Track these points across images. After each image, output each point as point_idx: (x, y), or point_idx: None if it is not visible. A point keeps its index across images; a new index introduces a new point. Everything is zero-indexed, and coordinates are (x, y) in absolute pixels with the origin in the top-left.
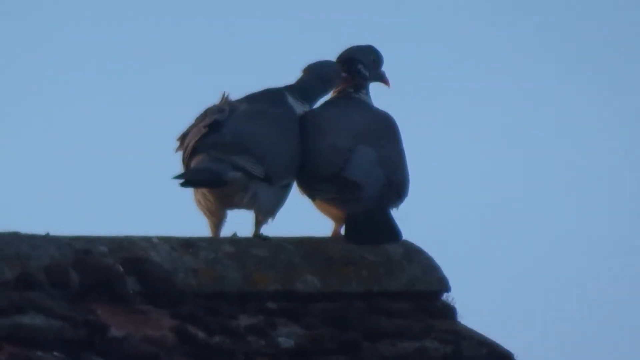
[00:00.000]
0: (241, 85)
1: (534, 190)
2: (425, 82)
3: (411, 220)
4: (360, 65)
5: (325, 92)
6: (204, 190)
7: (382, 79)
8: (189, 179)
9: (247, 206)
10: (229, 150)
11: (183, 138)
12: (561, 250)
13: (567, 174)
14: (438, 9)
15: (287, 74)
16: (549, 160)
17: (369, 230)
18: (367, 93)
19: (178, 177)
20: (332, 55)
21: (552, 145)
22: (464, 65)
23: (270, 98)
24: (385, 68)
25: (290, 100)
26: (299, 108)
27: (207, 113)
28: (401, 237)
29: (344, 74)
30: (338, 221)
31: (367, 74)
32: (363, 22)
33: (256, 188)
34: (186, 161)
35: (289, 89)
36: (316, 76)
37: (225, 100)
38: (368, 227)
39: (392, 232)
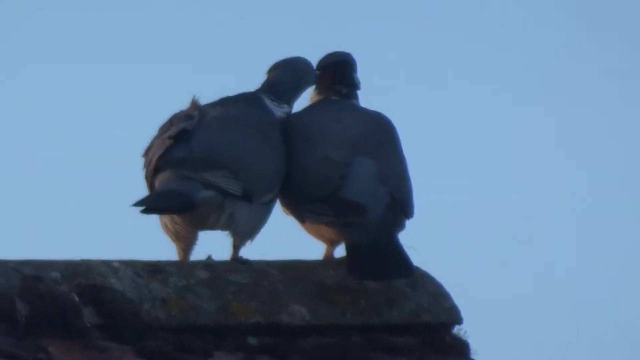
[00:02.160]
0: (210, 89)
1: (558, 207)
2: (434, 84)
3: (422, 247)
4: (354, 73)
5: (299, 91)
6: (176, 218)
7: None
8: (152, 205)
9: (223, 228)
10: (199, 166)
11: (147, 152)
12: (588, 274)
13: (590, 197)
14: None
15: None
16: (572, 178)
17: (377, 264)
18: (356, 97)
19: (138, 203)
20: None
21: (575, 164)
22: (474, 66)
23: (245, 101)
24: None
25: (268, 102)
26: (278, 110)
27: (172, 121)
28: (413, 271)
29: (317, 72)
30: (332, 244)
31: (358, 82)
32: (343, 27)
33: (233, 207)
34: (149, 179)
35: (263, 90)
36: (287, 71)
37: (194, 105)
38: (375, 260)
39: (403, 265)
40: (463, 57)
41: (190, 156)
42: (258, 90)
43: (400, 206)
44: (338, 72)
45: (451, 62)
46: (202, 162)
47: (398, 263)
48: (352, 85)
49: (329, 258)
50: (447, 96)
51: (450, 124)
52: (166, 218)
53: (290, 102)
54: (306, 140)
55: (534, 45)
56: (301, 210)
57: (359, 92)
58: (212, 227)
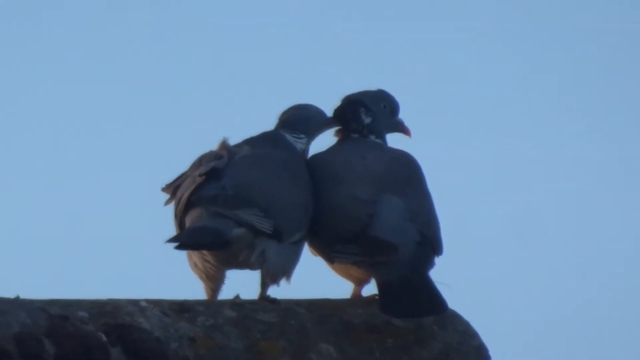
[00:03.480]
0: (234, 129)
1: (586, 241)
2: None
3: (454, 286)
4: (362, 109)
5: (313, 131)
6: (207, 255)
7: (398, 128)
8: (185, 241)
9: (254, 266)
10: (231, 203)
11: (174, 189)
12: (621, 305)
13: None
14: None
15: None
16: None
17: (409, 300)
18: (381, 138)
19: (172, 239)
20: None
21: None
22: (499, 99)
23: (270, 140)
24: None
25: (288, 137)
26: (298, 143)
27: (202, 160)
28: (447, 307)
29: (334, 121)
30: (360, 283)
31: (368, 120)
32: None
33: (264, 245)
34: (179, 216)
35: (281, 127)
36: (299, 110)
37: (223, 145)
38: (407, 296)
39: (436, 302)
40: (470, 70)
41: (223, 193)
42: (277, 127)
43: (430, 243)
44: (348, 113)
45: (451, 74)
46: (234, 199)
47: (431, 300)
48: (360, 124)
49: (356, 297)
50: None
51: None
52: (196, 257)
53: (309, 136)
54: (332, 179)
55: (537, 46)
56: (329, 250)
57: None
58: (243, 265)
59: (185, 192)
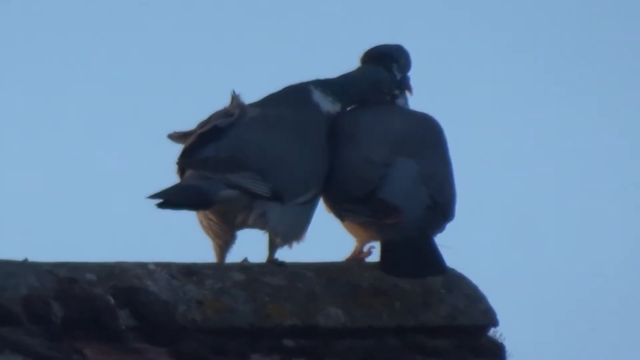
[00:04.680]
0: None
1: (601, 212)
2: (474, 84)
3: (457, 248)
4: (394, 65)
5: (362, 100)
6: (208, 213)
7: (406, 85)
8: (167, 199)
9: (256, 227)
10: (223, 166)
11: (183, 136)
12: (628, 275)
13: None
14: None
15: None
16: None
17: (410, 261)
18: (403, 96)
19: (154, 196)
20: (355, 52)
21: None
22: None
23: (292, 99)
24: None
25: (317, 96)
26: (328, 106)
27: (211, 118)
28: (446, 270)
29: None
30: (366, 242)
31: (399, 76)
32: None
33: (264, 207)
34: (179, 174)
35: (318, 83)
36: (369, 81)
37: (235, 102)
38: (408, 258)
39: (435, 263)
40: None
41: (214, 157)
42: (313, 82)
43: (440, 209)
44: (379, 65)
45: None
46: (226, 163)
47: (431, 261)
48: (393, 79)
49: (357, 254)
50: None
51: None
52: (201, 215)
53: (345, 104)
54: (349, 140)
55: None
56: (340, 209)
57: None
58: (243, 226)
59: (181, 152)
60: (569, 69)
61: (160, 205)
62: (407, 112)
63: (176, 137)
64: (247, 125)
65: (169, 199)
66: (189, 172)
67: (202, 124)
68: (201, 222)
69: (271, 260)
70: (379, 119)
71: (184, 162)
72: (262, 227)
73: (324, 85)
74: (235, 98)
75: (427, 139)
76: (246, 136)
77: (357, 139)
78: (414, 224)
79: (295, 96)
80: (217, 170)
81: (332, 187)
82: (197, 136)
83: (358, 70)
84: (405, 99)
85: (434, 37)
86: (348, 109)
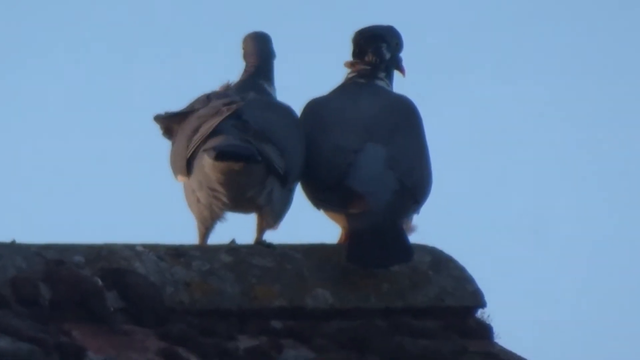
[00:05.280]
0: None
1: (584, 188)
2: (453, 65)
3: (444, 233)
4: (383, 45)
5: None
6: (219, 186)
7: (398, 66)
8: (224, 150)
9: (262, 204)
10: (257, 135)
11: (172, 119)
12: (614, 254)
13: (618, 178)
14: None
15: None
16: (599, 159)
17: (375, 251)
18: (389, 78)
19: (212, 149)
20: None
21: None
22: (499, 44)
23: (257, 89)
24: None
25: (267, 87)
26: (274, 92)
27: (209, 97)
28: (412, 258)
29: (354, 59)
30: (346, 229)
31: (388, 56)
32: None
33: (272, 186)
34: (195, 146)
35: (257, 76)
36: (260, 49)
37: (228, 86)
38: (372, 247)
39: (401, 251)
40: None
41: (248, 125)
42: (253, 76)
43: (409, 192)
44: (370, 47)
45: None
46: (259, 133)
47: (397, 249)
48: (380, 57)
49: (344, 242)
50: (473, 76)
51: (476, 103)
52: (205, 192)
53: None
54: (320, 126)
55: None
56: (315, 198)
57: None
58: (249, 203)
59: (211, 121)
60: (567, 46)
61: (217, 157)
62: (382, 95)
63: (163, 119)
64: (257, 105)
65: (229, 150)
66: (220, 137)
67: (202, 102)
68: (198, 202)
69: (260, 242)
70: (352, 104)
71: (226, 126)
72: (266, 205)
73: (260, 76)
74: (227, 85)
75: (398, 123)
76: (264, 114)
77: (328, 126)
78: (380, 211)
79: (257, 88)
80: (255, 138)
81: (306, 175)
82: (230, 108)
83: (257, 45)
84: (390, 80)
85: (431, 20)
86: (322, 95)
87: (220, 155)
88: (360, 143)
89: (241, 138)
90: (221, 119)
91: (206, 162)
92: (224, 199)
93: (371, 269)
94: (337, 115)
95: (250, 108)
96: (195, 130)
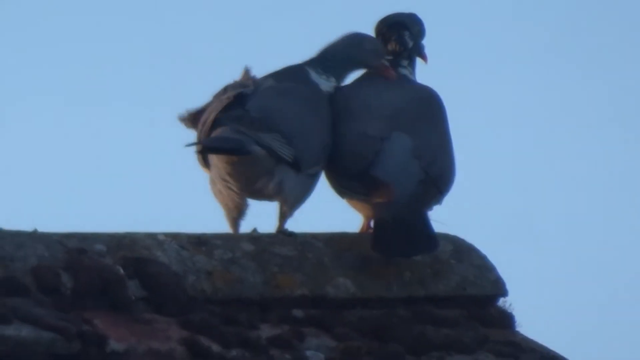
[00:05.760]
0: (258, 62)
1: (612, 179)
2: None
3: (451, 224)
4: (406, 32)
5: (353, 67)
6: (228, 177)
7: (420, 53)
8: (208, 145)
9: (272, 194)
10: (255, 125)
11: (195, 115)
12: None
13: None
14: None
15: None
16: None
17: (400, 240)
18: (412, 66)
19: (194, 144)
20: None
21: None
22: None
23: (293, 75)
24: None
25: (314, 77)
26: (325, 84)
27: (227, 89)
28: (438, 247)
29: (385, 50)
30: (369, 218)
31: (411, 43)
32: None
33: (282, 174)
34: (204, 135)
35: (310, 63)
36: (346, 44)
37: (247, 76)
38: (398, 237)
39: (426, 241)
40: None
41: (248, 114)
42: (305, 63)
43: (434, 182)
44: (393, 35)
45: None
46: (258, 122)
47: (422, 239)
48: (403, 45)
49: (365, 231)
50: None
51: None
52: (220, 184)
53: (339, 77)
54: (346, 115)
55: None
56: (340, 186)
57: (420, 65)
58: (261, 193)
59: (212, 113)
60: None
61: (201, 151)
62: (407, 86)
63: (186, 118)
64: (268, 94)
65: (210, 145)
66: (219, 129)
67: (218, 95)
68: (220, 192)
69: (281, 231)
70: (376, 93)
71: (222, 118)
72: (276, 196)
73: (315, 64)
74: (247, 72)
75: (424, 113)
76: (271, 102)
77: (353, 114)
78: (405, 201)
79: (295, 74)
80: (250, 127)
81: (331, 163)
82: (229, 98)
83: (338, 38)
84: (413, 68)
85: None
86: (346, 81)
87: (205, 149)
88: (387, 131)
89: (233, 129)
90: (217, 112)
91: (212, 156)
92: (235, 190)
93: (396, 259)
94: (362, 103)
95: (259, 96)
96: (204, 124)
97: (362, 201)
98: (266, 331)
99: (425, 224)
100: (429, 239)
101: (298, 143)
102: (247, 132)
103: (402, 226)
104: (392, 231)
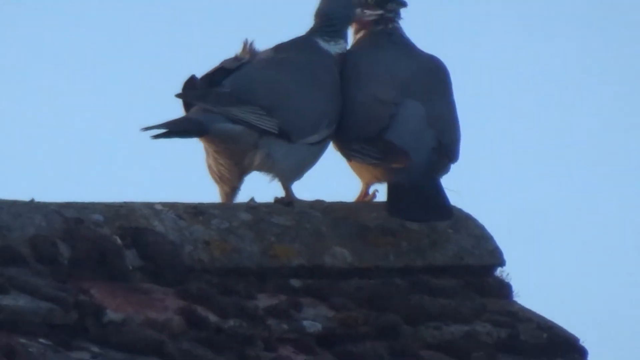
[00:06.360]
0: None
1: (612, 150)
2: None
3: (464, 189)
4: None
5: (349, 20)
6: (214, 152)
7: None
8: (160, 128)
9: (262, 167)
10: (224, 101)
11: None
12: (631, 212)
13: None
14: None
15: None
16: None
17: (416, 205)
18: (401, 28)
19: (148, 128)
20: None
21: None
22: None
23: (299, 46)
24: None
25: (322, 44)
26: (334, 48)
27: (222, 64)
28: (452, 214)
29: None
30: (370, 183)
31: (406, 5)
32: None
33: (270, 147)
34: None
35: (315, 32)
36: (340, 5)
37: (246, 49)
38: (415, 202)
39: (443, 208)
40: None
41: (214, 90)
42: (311, 33)
43: (445, 150)
44: None
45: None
46: (229, 96)
47: (438, 206)
48: (394, 6)
49: (362, 199)
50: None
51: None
52: (210, 159)
53: (344, 36)
54: (357, 80)
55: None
56: (349, 149)
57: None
58: (251, 167)
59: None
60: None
61: (154, 137)
62: (414, 54)
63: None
64: (254, 65)
65: (164, 129)
66: (193, 109)
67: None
68: (210, 168)
69: (279, 200)
70: (387, 60)
71: (183, 96)
72: (268, 167)
73: (321, 32)
74: (246, 45)
75: (433, 82)
76: (252, 73)
77: (364, 80)
78: (421, 167)
79: (302, 44)
80: (218, 103)
81: (340, 127)
82: (203, 76)
83: (326, 5)
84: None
85: None
86: (352, 45)
87: (161, 135)
88: (399, 98)
89: (202, 110)
90: (191, 89)
91: None
92: (228, 167)
93: (413, 222)
94: (371, 71)
95: (243, 70)
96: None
97: (372, 165)
98: (263, 301)
99: (440, 192)
100: (444, 206)
101: (283, 113)
102: (214, 108)
103: (418, 192)
104: (409, 196)
